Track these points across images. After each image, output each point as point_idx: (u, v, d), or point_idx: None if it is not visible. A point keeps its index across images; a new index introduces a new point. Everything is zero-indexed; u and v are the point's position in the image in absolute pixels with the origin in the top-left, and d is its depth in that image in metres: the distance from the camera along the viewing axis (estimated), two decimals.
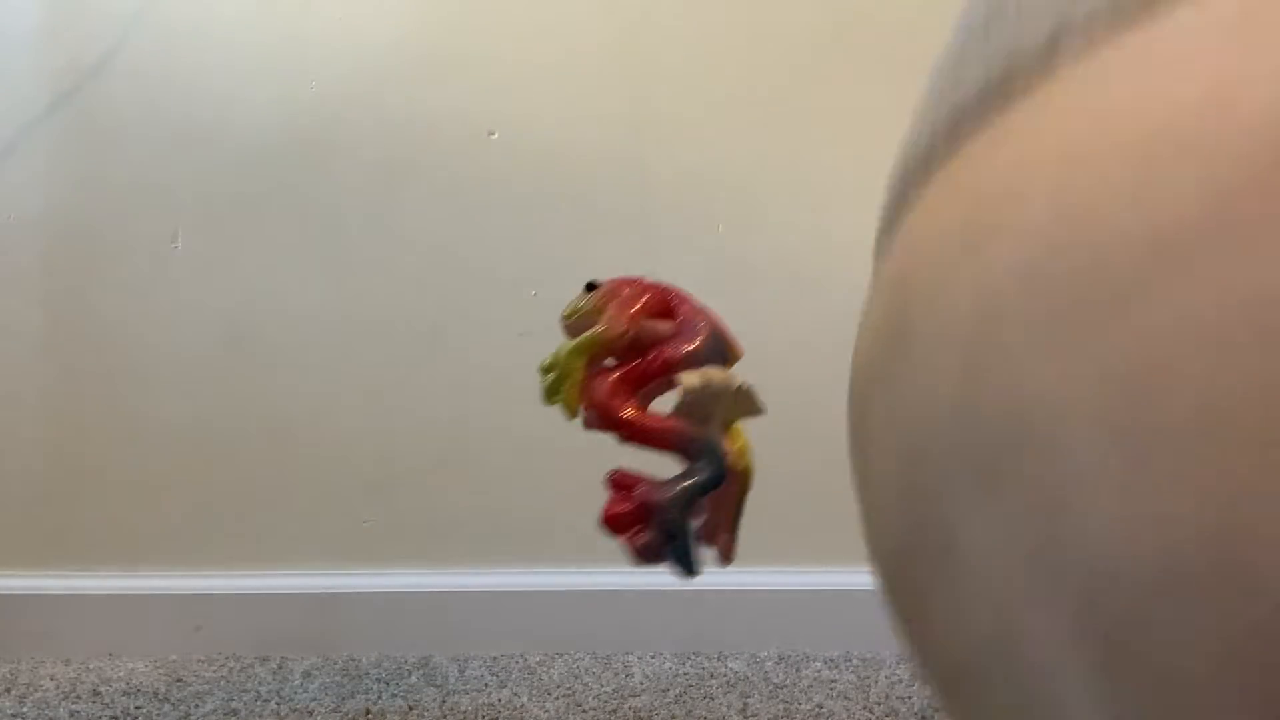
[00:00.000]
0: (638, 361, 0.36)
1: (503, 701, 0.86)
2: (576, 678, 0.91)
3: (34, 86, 0.95)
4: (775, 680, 0.90)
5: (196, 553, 0.98)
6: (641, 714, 0.82)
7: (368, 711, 0.84)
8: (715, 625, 0.97)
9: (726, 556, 0.38)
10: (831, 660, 0.96)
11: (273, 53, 0.96)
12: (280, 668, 0.93)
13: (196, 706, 0.85)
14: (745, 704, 0.84)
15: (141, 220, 0.97)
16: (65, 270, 0.97)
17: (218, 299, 0.97)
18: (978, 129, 0.23)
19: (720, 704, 0.84)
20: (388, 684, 0.90)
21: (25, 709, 0.85)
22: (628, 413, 0.35)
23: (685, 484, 0.34)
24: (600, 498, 0.35)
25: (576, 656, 0.96)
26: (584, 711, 0.83)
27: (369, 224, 0.97)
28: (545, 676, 0.91)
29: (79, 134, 0.96)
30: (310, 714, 0.84)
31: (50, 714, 0.84)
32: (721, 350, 0.36)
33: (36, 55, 0.95)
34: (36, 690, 0.88)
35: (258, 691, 0.88)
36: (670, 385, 0.35)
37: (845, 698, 0.86)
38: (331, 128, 0.97)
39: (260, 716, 0.83)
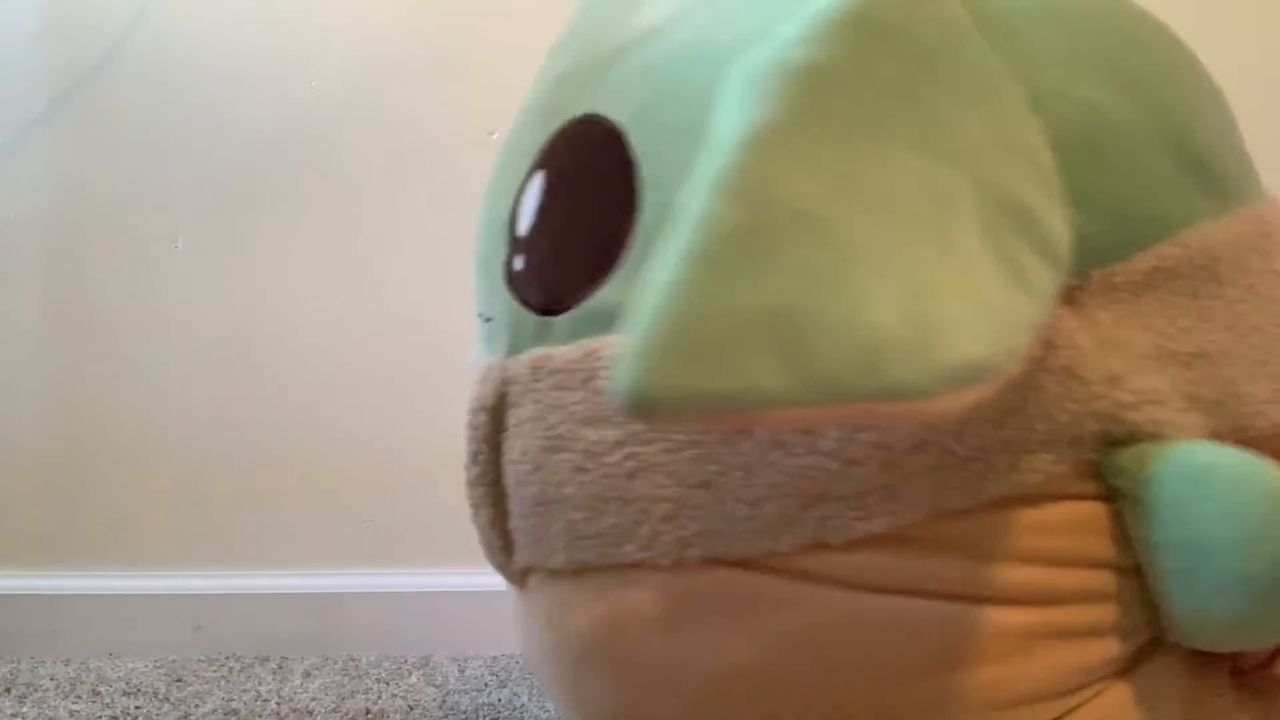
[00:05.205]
0: None
1: (503, 701, 0.86)
2: None
3: (34, 86, 0.95)
4: None
5: (196, 553, 0.98)
6: None
7: (368, 711, 0.84)
8: None
9: None
10: None
11: (273, 53, 0.96)
12: (280, 668, 0.93)
13: (196, 706, 0.85)
14: None
15: (141, 220, 0.96)
16: (65, 270, 0.97)
17: (218, 299, 0.97)
18: None
19: None
20: (388, 684, 0.90)
21: (25, 709, 0.85)
22: None
23: None
24: None
25: None
26: None
27: (369, 224, 0.97)
28: None
29: (79, 134, 0.96)
30: (310, 714, 0.84)
31: (50, 714, 0.84)
32: None
33: (36, 55, 0.95)
34: (36, 690, 0.88)
35: (258, 691, 0.88)
36: None
37: None
38: (331, 128, 0.96)
39: (260, 716, 0.83)
